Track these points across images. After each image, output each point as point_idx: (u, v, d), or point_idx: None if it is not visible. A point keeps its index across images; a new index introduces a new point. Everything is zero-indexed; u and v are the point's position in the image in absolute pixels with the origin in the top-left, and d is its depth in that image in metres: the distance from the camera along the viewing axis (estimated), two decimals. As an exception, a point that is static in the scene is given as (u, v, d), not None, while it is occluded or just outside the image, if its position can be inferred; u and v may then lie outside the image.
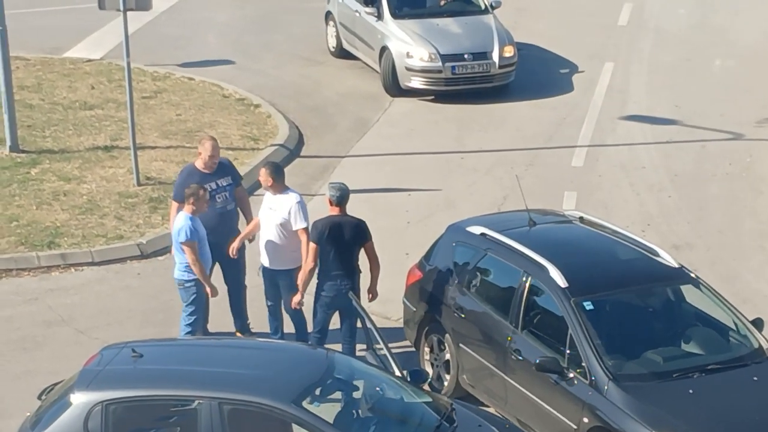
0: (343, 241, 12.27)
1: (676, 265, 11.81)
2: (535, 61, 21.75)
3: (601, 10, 24.39)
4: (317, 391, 10.13)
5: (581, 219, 12.60)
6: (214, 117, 19.15)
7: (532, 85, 20.72)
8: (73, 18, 23.35)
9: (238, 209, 13.31)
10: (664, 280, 11.74)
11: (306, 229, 12.51)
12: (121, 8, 16.14)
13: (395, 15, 20.51)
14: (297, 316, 12.80)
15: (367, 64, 21.03)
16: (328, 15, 22.15)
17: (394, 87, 20.12)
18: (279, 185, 12.70)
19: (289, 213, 12.56)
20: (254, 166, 17.32)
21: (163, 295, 14.13)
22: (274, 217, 12.61)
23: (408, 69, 19.88)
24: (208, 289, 12.41)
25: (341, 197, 12.37)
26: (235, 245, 12.85)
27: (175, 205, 13.01)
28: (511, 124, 19.28)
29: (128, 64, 16.59)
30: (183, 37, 22.79)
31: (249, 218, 13.25)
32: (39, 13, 23.72)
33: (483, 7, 21.17)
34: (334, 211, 12.38)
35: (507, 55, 20.18)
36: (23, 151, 17.64)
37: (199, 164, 13.03)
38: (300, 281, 12.44)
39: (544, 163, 17.87)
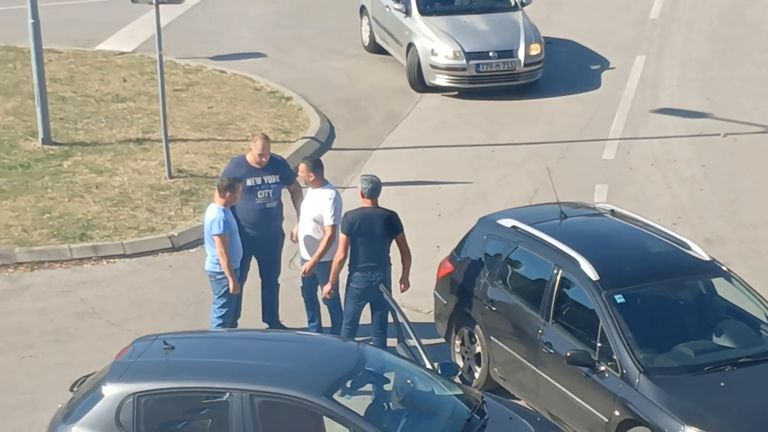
0: (374, 233, 12.29)
1: (708, 258, 11.77)
2: (567, 55, 21.69)
3: (632, 3, 24.28)
4: (348, 384, 10.14)
5: (612, 212, 12.56)
6: (246, 110, 19.19)
7: (563, 79, 20.66)
8: (106, 11, 23.44)
9: (291, 206, 13.18)
10: (696, 273, 11.70)
11: (332, 227, 12.53)
12: (154, 1, 16.18)
13: (423, 11, 20.44)
14: (334, 308, 12.82)
15: (397, 60, 21.00)
16: (363, 9, 22.14)
17: (419, 83, 20.07)
18: (318, 180, 12.73)
19: (323, 207, 12.59)
20: (286, 159, 17.33)
21: (195, 287, 14.17)
22: (311, 210, 12.66)
23: (433, 66, 19.83)
24: (230, 284, 12.39)
25: (373, 189, 12.38)
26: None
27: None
28: (542, 118, 19.23)
29: (160, 56, 16.64)
30: (215, 31, 22.84)
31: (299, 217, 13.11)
32: (72, 6, 23.83)
33: (513, 3, 21.02)
34: (366, 203, 12.40)
35: (533, 53, 20.01)
36: (56, 144, 17.73)
37: (249, 158, 12.97)
38: (330, 272, 12.47)
39: (575, 156, 17.82)
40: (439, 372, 10.77)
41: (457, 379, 11.22)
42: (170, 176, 16.76)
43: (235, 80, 20.40)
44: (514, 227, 12.27)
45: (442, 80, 19.86)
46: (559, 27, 22.79)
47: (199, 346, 10.90)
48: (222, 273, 12.39)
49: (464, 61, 19.71)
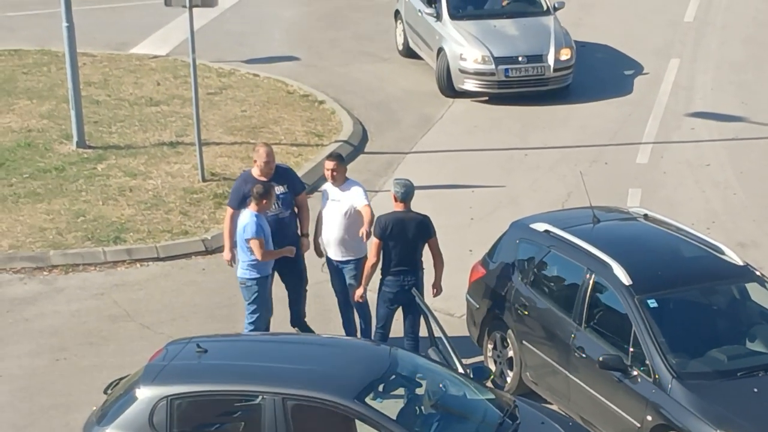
0: (406, 237, 12.30)
1: (741, 263, 11.71)
2: (600, 58, 21.63)
3: (667, 6, 24.19)
4: (380, 387, 10.15)
5: (645, 216, 12.52)
6: (279, 113, 19.24)
7: (596, 82, 20.61)
8: (139, 14, 23.55)
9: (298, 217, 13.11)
10: (729, 278, 11.65)
11: (369, 206, 12.58)
12: (187, 5, 16.24)
13: (453, 16, 20.35)
14: (362, 309, 12.84)
15: (429, 64, 20.99)
16: (397, 14, 22.14)
17: (449, 88, 20.00)
18: (343, 175, 12.79)
19: (355, 197, 12.62)
20: (318, 162, 17.40)
21: (227, 290, 14.21)
22: (339, 207, 12.67)
23: (461, 71, 19.77)
24: (285, 252, 12.48)
25: (406, 193, 12.39)
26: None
27: (230, 211, 12.80)
28: (575, 121, 19.18)
29: (194, 60, 16.71)
30: (248, 34, 22.91)
31: (305, 228, 13.04)
32: (106, 10, 23.95)
33: (545, 8, 20.87)
34: (399, 207, 12.41)
35: (563, 58, 19.89)
36: (90, 147, 17.83)
37: (255, 172, 12.83)
38: (363, 276, 12.49)
39: (608, 159, 17.77)
40: (471, 376, 10.77)
41: (489, 383, 11.21)
42: (203, 179, 16.82)
43: (268, 83, 20.46)
44: (546, 231, 12.25)
45: (470, 85, 19.81)
46: (591, 30, 22.73)
47: (231, 349, 10.93)
48: (253, 279, 12.36)
49: (493, 66, 19.65)
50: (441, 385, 10.47)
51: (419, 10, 20.99)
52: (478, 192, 16.83)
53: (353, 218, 12.65)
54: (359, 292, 12.54)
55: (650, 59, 21.54)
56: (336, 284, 12.98)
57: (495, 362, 12.67)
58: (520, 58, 19.69)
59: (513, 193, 16.74)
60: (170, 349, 10.61)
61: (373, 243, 12.38)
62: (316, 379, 10.01)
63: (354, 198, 12.68)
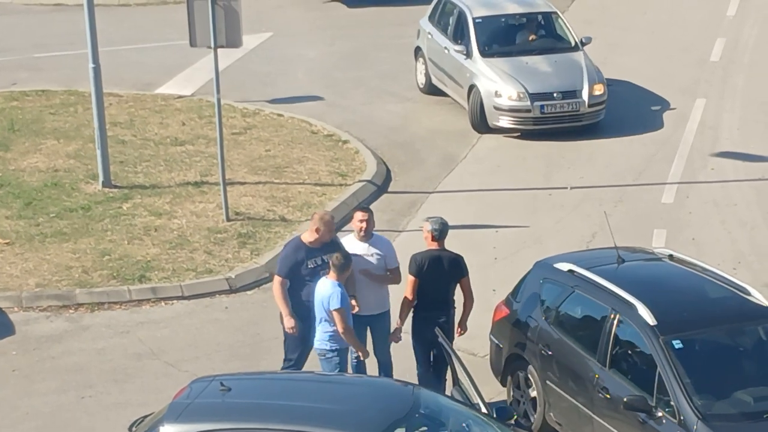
0: (441, 275, 12.32)
1: (768, 304, 11.65)
2: (626, 97, 21.62)
3: (693, 45, 24.19)
4: (403, 427, 10.11)
5: (671, 257, 12.47)
6: (303, 153, 19.29)
7: (622, 121, 20.60)
8: (165, 55, 23.71)
9: None
10: (756, 319, 11.56)
11: (397, 269, 12.51)
12: (212, 45, 16.35)
13: (484, 53, 20.39)
14: (386, 365, 12.68)
15: (456, 101, 21.04)
16: (418, 51, 22.18)
17: (482, 125, 20.02)
18: (373, 229, 12.62)
19: (385, 254, 12.50)
20: (342, 201, 17.43)
21: (251, 328, 14.23)
22: (362, 262, 12.37)
23: (496, 108, 19.80)
24: (360, 354, 12.18)
25: (441, 231, 12.42)
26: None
27: (281, 280, 12.29)
28: (599, 160, 19.17)
29: (218, 100, 16.80)
30: (272, 74, 23.02)
31: (352, 293, 12.49)
32: (132, 50, 24.12)
33: (573, 43, 20.91)
34: (434, 245, 12.42)
35: (597, 93, 19.94)
36: (116, 187, 17.91)
37: (307, 237, 12.42)
38: (400, 315, 12.42)
39: (633, 199, 17.74)
40: (495, 416, 10.73)
41: (512, 424, 11.15)
42: (228, 219, 16.87)
43: (292, 123, 20.53)
44: (570, 271, 12.23)
45: (505, 122, 19.82)
46: (618, 68, 22.73)
47: (255, 387, 10.93)
48: (334, 350, 12.08)
49: (528, 103, 19.68)
50: (464, 425, 10.42)
51: (446, 48, 21.03)
52: (502, 232, 16.81)
53: (382, 274, 12.49)
54: (395, 333, 12.44)
55: (676, 98, 21.52)
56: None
57: (518, 402, 12.62)
58: (555, 95, 19.77)
59: (537, 233, 16.71)
60: (194, 387, 10.61)
61: (409, 281, 12.32)
62: (338, 417, 9.99)
63: (387, 256, 12.47)
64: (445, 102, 21.44)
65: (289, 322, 12.28)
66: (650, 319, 11.19)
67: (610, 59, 23.35)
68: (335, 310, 11.91)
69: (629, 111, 21.05)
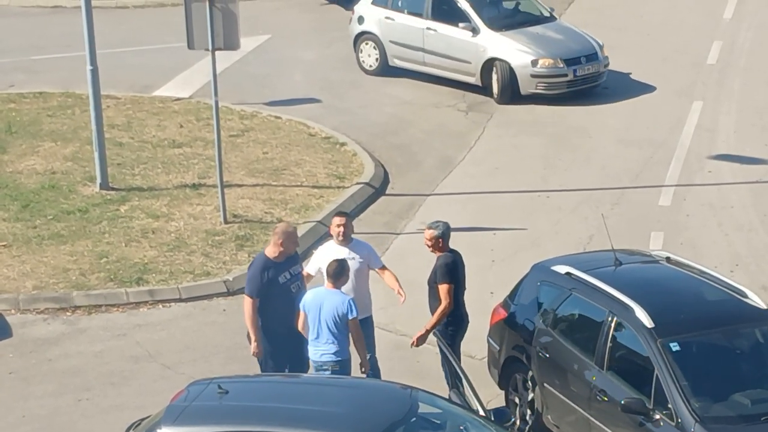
0: (462, 277, 12.49)
1: (765, 307, 11.65)
2: (622, 99, 21.65)
3: (690, 48, 24.20)
4: (400, 430, 10.11)
5: (668, 259, 12.48)
6: (301, 155, 19.30)
7: (618, 123, 20.63)
8: (163, 57, 23.70)
9: None
10: (753, 322, 11.58)
11: (384, 268, 12.50)
12: (210, 48, 16.36)
13: (493, 28, 21.58)
14: (373, 367, 12.62)
15: (445, 77, 21.93)
16: (362, 36, 22.85)
17: (511, 95, 21.22)
18: (351, 233, 12.60)
19: (371, 258, 12.55)
20: (339, 204, 17.44)
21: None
22: (352, 266, 12.28)
23: (534, 76, 21.16)
24: (364, 366, 12.12)
25: (446, 235, 12.55)
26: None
27: (252, 301, 12.05)
28: (597, 163, 19.18)
29: (216, 102, 16.81)
30: (270, 76, 23.02)
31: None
32: (129, 53, 24.11)
33: (548, 14, 22.56)
34: (446, 248, 12.45)
35: (606, 54, 21.77)
36: (113, 189, 17.91)
37: (271, 252, 12.17)
38: (432, 321, 12.36)
39: (630, 202, 17.75)
40: (492, 419, 10.73)
41: (510, 426, 11.16)
42: (225, 221, 16.87)
43: (289, 126, 20.54)
44: (568, 274, 12.24)
45: (541, 88, 21.22)
46: (615, 71, 22.76)
47: (253, 390, 10.93)
48: (343, 360, 11.93)
49: (564, 68, 21.20)
50: (462, 428, 10.42)
51: (428, 28, 21.98)
52: (500, 234, 16.82)
53: (362, 277, 12.46)
54: (421, 335, 12.36)
55: (673, 101, 21.54)
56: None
57: (516, 405, 12.63)
58: (581, 59, 21.43)
59: (534, 236, 16.72)
60: (191, 390, 10.61)
61: (445, 288, 12.30)
62: (335, 420, 9.98)
63: (370, 258, 12.53)
64: (443, 104, 21.48)
65: (257, 348, 12.16)
66: (647, 322, 11.20)
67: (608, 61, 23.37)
68: (353, 319, 11.85)
69: (626, 113, 21.07)
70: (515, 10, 22.66)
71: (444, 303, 12.32)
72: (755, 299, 11.70)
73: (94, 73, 17.61)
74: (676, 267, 12.34)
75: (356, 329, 11.91)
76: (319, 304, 11.93)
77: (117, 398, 13.17)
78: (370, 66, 22.92)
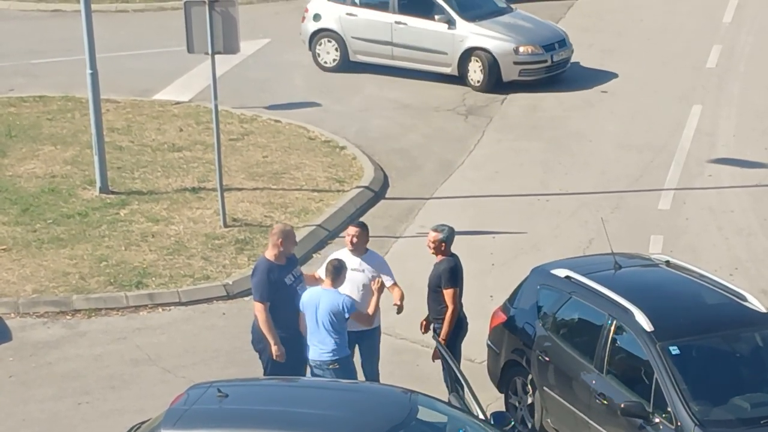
0: (462, 281, 12.50)
1: (765, 310, 11.65)
2: (622, 104, 21.66)
3: (689, 52, 24.22)
4: (401, 433, 10.12)
5: (667, 263, 12.49)
6: (300, 159, 19.31)
7: (617, 128, 20.64)
8: (163, 61, 23.72)
9: None
10: (752, 325, 11.58)
11: (395, 284, 12.47)
12: (210, 51, 16.37)
13: (467, 19, 22.24)
14: (374, 376, 12.62)
15: (419, 70, 22.47)
16: (318, 34, 23.10)
17: (496, 83, 21.88)
18: (364, 244, 12.52)
19: (383, 271, 12.43)
20: (339, 208, 17.45)
21: (248, 335, 14.07)
22: (360, 277, 12.34)
23: (516, 63, 21.96)
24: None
25: (452, 239, 12.57)
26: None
27: (262, 306, 12.02)
28: (596, 167, 19.19)
29: (216, 106, 16.81)
30: (270, 80, 23.03)
31: None
32: (129, 56, 24.12)
33: (505, 5, 23.44)
34: (447, 253, 12.46)
35: (571, 40, 22.70)
36: (113, 192, 17.92)
37: (271, 255, 12.16)
38: (445, 330, 12.36)
39: (630, 206, 17.75)
40: (492, 422, 10.73)
41: (509, 430, 11.16)
42: (225, 225, 16.87)
43: (289, 129, 20.55)
44: (567, 277, 12.24)
45: (524, 74, 22.05)
46: (614, 75, 22.79)
47: (252, 393, 10.92)
48: (345, 359, 11.93)
49: (544, 53, 22.10)
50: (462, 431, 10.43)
51: (397, 22, 22.41)
52: (499, 238, 16.83)
53: (369, 289, 12.39)
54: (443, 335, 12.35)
55: (673, 105, 21.55)
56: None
57: (516, 408, 12.63)
58: (555, 44, 22.38)
59: (534, 239, 16.73)
60: (191, 393, 10.61)
61: (451, 292, 12.32)
62: (335, 423, 9.98)
63: (381, 271, 12.40)
64: (443, 108, 21.51)
65: (279, 350, 12.09)
66: (647, 325, 11.20)
67: (606, 65, 23.41)
68: (355, 313, 11.90)
69: (625, 118, 21.08)
70: (481, 2, 23.29)
71: (450, 308, 12.36)
72: (755, 303, 11.69)
73: (94, 76, 17.62)
74: (676, 270, 12.34)
75: (360, 318, 11.98)
76: (315, 303, 11.97)
77: (117, 402, 13.16)
78: (328, 63, 23.26)
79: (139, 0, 28.30)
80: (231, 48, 16.49)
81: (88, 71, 17.61)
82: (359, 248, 12.47)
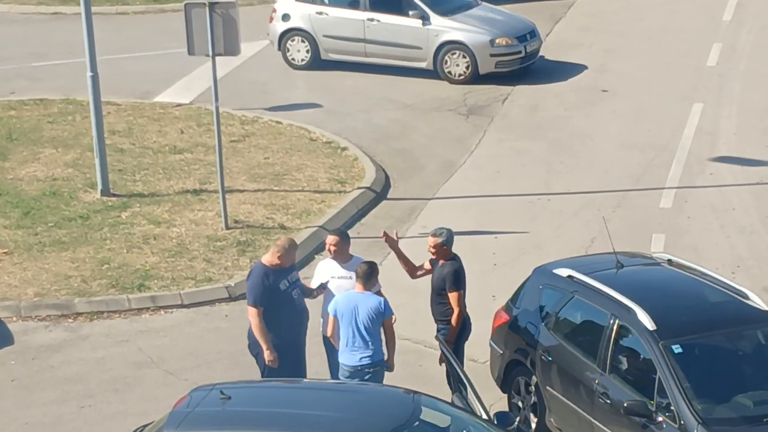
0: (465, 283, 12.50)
1: (767, 308, 11.65)
2: (623, 103, 21.66)
3: (690, 50, 24.21)
4: (404, 434, 10.11)
5: (669, 261, 12.49)
6: (302, 160, 19.31)
7: (619, 127, 20.63)
8: (163, 63, 23.72)
9: None
10: (754, 323, 11.58)
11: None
12: (211, 53, 16.37)
13: (442, 14, 22.59)
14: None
15: (395, 65, 22.71)
16: (287, 33, 23.26)
17: (474, 76, 22.25)
18: (347, 252, 12.52)
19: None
20: (341, 209, 17.45)
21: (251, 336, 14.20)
22: (347, 285, 12.28)
23: (492, 55, 22.37)
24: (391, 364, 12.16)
25: (451, 241, 12.55)
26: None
27: (255, 311, 12.06)
28: (598, 166, 19.18)
29: (217, 108, 16.81)
30: (270, 82, 23.03)
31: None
32: (130, 59, 24.12)
33: None
34: (450, 255, 12.45)
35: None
36: (114, 195, 17.92)
37: (269, 261, 12.20)
38: (452, 333, 12.38)
39: (631, 205, 17.75)
40: (495, 422, 10.73)
41: (513, 430, 11.15)
42: (227, 227, 16.87)
43: (290, 131, 20.55)
44: (570, 277, 12.24)
45: (500, 66, 22.40)
46: (614, 75, 22.79)
47: (255, 395, 10.92)
48: (377, 363, 11.96)
49: (518, 44, 22.53)
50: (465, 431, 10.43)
51: (369, 19, 22.68)
52: (502, 238, 16.82)
53: None
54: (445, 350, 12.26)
55: (674, 104, 21.54)
56: (334, 367, 12.39)
57: (519, 408, 12.63)
58: (527, 36, 22.81)
59: (536, 239, 16.72)
60: (194, 395, 10.61)
61: (456, 295, 12.33)
62: (338, 425, 9.98)
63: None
64: (444, 108, 21.51)
65: (271, 355, 12.11)
66: (649, 324, 11.20)
67: (608, 65, 23.40)
68: (389, 318, 11.93)
69: (627, 117, 21.07)
70: None
71: (456, 310, 12.38)
72: (757, 301, 11.70)
73: (95, 79, 17.62)
74: (678, 269, 12.34)
75: (390, 329, 12.02)
76: (353, 307, 11.93)
77: (120, 405, 13.16)
78: (300, 61, 23.41)
79: (139, 2, 28.30)
80: (232, 50, 16.50)
81: (89, 74, 17.61)
82: (340, 256, 12.46)
